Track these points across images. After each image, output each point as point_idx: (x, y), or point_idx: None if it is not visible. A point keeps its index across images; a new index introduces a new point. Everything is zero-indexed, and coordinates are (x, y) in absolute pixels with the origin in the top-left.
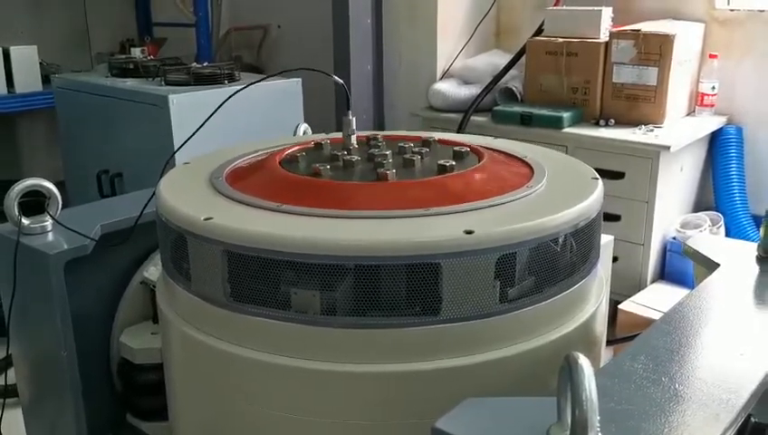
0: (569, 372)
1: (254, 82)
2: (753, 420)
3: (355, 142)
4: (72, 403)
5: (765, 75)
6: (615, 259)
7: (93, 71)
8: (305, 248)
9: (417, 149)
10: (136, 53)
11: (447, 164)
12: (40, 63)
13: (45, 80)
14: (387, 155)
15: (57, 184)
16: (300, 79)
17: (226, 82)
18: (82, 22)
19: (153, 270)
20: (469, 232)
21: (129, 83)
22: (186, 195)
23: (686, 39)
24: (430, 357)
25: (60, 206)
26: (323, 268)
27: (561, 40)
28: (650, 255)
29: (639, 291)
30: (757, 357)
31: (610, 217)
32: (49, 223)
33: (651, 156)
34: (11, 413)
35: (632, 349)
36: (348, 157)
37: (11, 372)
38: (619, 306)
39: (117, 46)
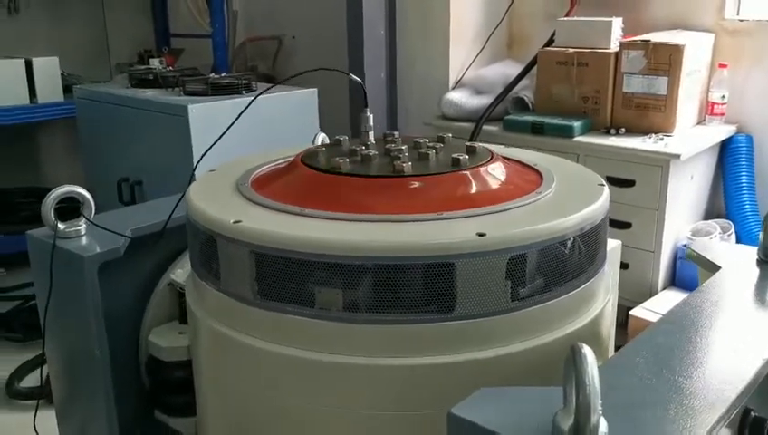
0: (573, 360)
1: (279, 83)
2: (752, 414)
3: (372, 138)
4: (104, 400)
5: None
6: (626, 266)
7: (113, 81)
8: (327, 250)
9: (431, 144)
10: (155, 63)
11: (461, 158)
12: (61, 74)
13: (66, 90)
14: (402, 149)
15: None
16: (315, 89)
17: (244, 92)
18: (102, 33)
19: (180, 272)
20: (481, 234)
21: (149, 94)
22: (214, 200)
23: (696, 49)
24: (445, 351)
25: (93, 210)
26: (345, 268)
27: (571, 50)
28: (661, 262)
29: (650, 297)
30: (751, 353)
31: (621, 225)
32: (83, 227)
33: (661, 164)
34: (42, 413)
35: (635, 344)
36: (365, 151)
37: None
38: (630, 312)
39: (135, 57)
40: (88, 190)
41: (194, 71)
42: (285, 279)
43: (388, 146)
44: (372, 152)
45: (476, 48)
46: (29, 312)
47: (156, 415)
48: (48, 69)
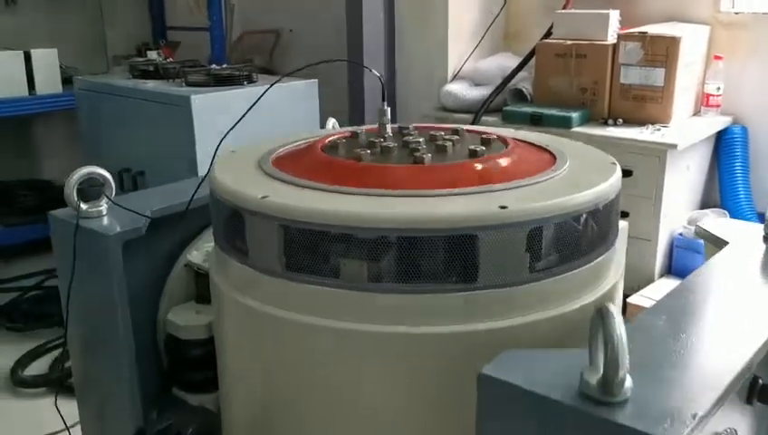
0: (601, 319)
1: (294, 72)
2: (760, 382)
3: (390, 131)
4: (127, 378)
5: None
6: None
7: (110, 73)
8: (354, 222)
9: (447, 137)
10: (153, 55)
11: (478, 149)
12: (59, 66)
13: (64, 83)
14: (420, 142)
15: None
16: (316, 80)
17: (245, 83)
18: (99, 26)
19: (196, 254)
20: (503, 207)
21: (151, 85)
22: (239, 177)
23: (692, 41)
24: (469, 320)
25: (114, 191)
26: (370, 241)
27: (569, 42)
28: (658, 250)
29: (647, 285)
30: (760, 321)
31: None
32: (104, 208)
33: (659, 154)
34: (47, 400)
35: (653, 309)
36: (385, 144)
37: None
38: (628, 300)
39: (132, 50)
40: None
41: (194, 62)
42: (312, 252)
43: (405, 138)
44: (391, 144)
45: (474, 40)
46: (29, 302)
47: (174, 392)
48: (47, 61)
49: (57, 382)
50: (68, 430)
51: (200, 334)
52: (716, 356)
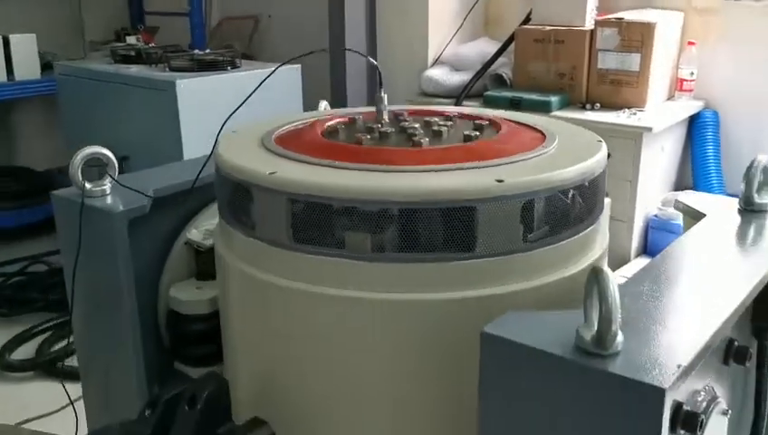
0: (596, 279)
1: (292, 59)
2: (736, 344)
3: (386, 117)
4: (133, 353)
5: (740, 62)
6: None
7: (88, 58)
8: (358, 196)
9: (442, 122)
10: (132, 40)
11: (472, 134)
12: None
13: (42, 68)
14: (417, 127)
15: (58, 169)
16: (299, 66)
17: (229, 68)
18: (76, 11)
19: (195, 232)
20: (500, 181)
21: (134, 70)
22: (245, 155)
23: (667, 27)
24: (467, 287)
25: (117, 171)
26: (374, 213)
27: (548, 28)
28: (633, 231)
29: (624, 265)
30: (734, 285)
31: None
32: (108, 187)
33: (634, 137)
34: (37, 384)
35: (638, 275)
36: (383, 129)
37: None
38: None
39: (110, 35)
40: (71, 167)
41: (177, 47)
42: (318, 224)
43: (402, 124)
44: (389, 129)
45: (455, 26)
46: (12, 288)
47: (176, 366)
48: (25, 46)
49: (48, 365)
50: (72, 404)
51: (202, 309)
52: (696, 316)
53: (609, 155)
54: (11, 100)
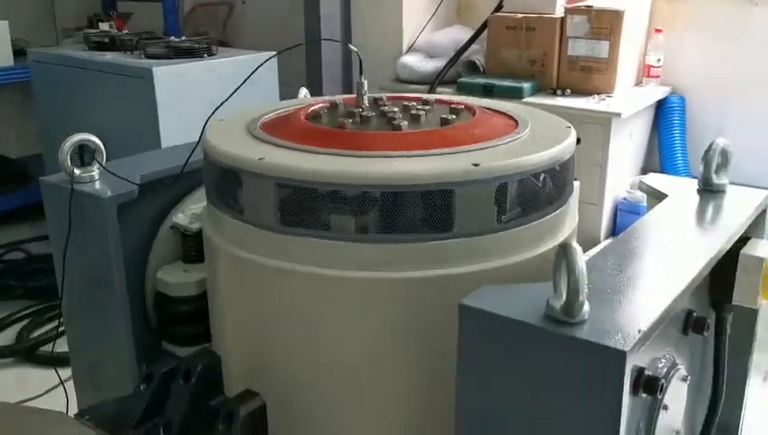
0: (564, 254)
1: (277, 53)
2: (694, 314)
3: (366, 102)
4: (123, 332)
5: (706, 48)
6: None
7: (61, 45)
8: (343, 180)
9: (420, 107)
10: (105, 27)
11: (449, 117)
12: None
13: (14, 55)
14: (396, 111)
15: (33, 156)
16: (275, 53)
17: (205, 55)
18: None
19: (181, 216)
20: (476, 165)
21: (109, 57)
22: (233, 141)
23: (635, 15)
24: (445, 265)
25: (105, 157)
26: (358, 196)
27: (520, 15)
28: (603, 213)
29: (594, 247)
30: (691, 259)
31: None
32: (96, 173)
33: (603, 123)
34: (21, 369)
35: (603, 251)
36: (364, 113)
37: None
38: None
39: (82, 21)
40: (45, 155)
41: (150, 34)
42: (305, 207)
43: (381, 109)
44: (370, 113)
45: (428, 13)
46: None
47: (164, 346)
48: None
49: (27, 351)
50: (62, 384)
51: (189, 291)
52: (656, 287)
53: (578, 141)
54: None
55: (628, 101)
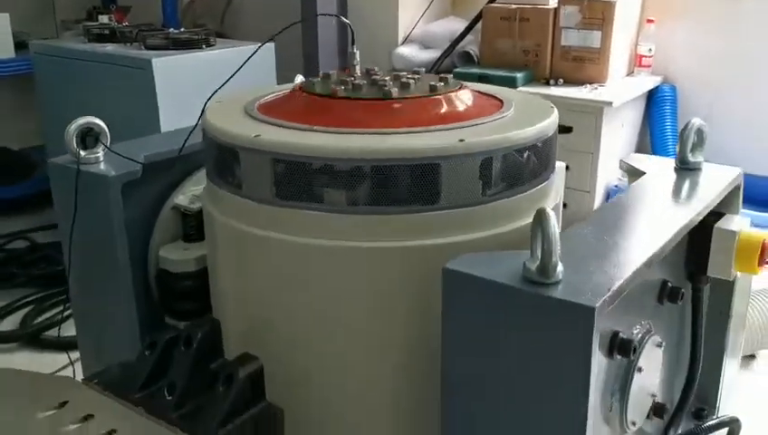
0: (540, 219)
1: (271, 37)
2: (669, 284)
3: (359, 71)
4: (126, 306)
5: (696, 38)
6: (564, 205)
7: (61, 38)
8: (335, 154)
9: (410, 76)
10: (105, 19)
11: (438, 85)
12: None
13: (15, 47)
14: (387, 80)
15: (35, 148)
16: (273, 43)
17: (203, 46)
18: None
19: (182, 197)
20: (461, 140)
21: (110, 48)
22: (231, 121)
23: (627, 5)
24: (432, 235)
25: (109, 139)
26: (349, 170)
27: (514, 6)
28: (595, 201)
29: None
30: (664, 228)
31: None
32: (101, 154)
33: (595, 112)
34: (24, 354)
35: (583, 223)
36: (356, 81)
37: None
38: None
39: (81, 14)
40: (48, 145)
41: (150, 26)
42: (299, 181)
43: (373, 78)
44: (362, 82)
45: (424, 5)
46: None
47: (167, 320)
48: None
49: (31, 336)
50: (72, 364)
51: (189, 268)
52: (628, 252)
53: (570, 129)
54: None
55: (620, 91)
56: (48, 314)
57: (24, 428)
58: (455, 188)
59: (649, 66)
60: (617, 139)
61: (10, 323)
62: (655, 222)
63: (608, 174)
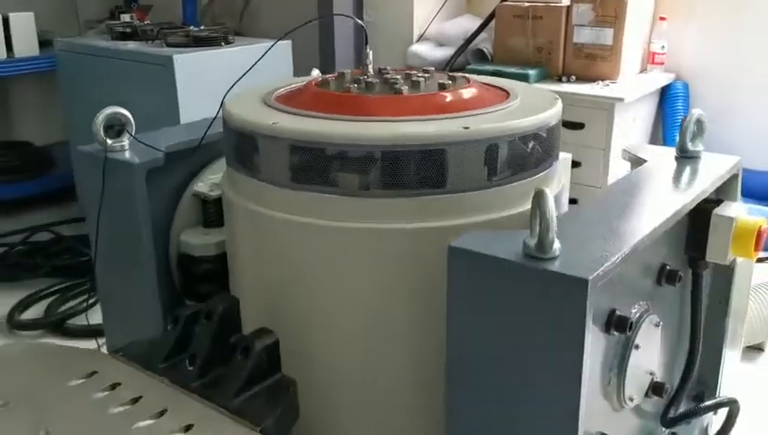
0: (538, 199)
1: (287, 33)
2: (667, 267)
3: (372, 70)
4: (150, 291)
5: (708, 36)
6: (575, 201)
7: (84, 36)
8: (348, 141)
9: (420, 75)
10: (127, 18)
11: (446, 83)
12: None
13: (40, 46)
14: (398, 78)
15: (57, 144)
16: (290, 41)
17: (223, 43)
18: None
19: (202, 185)
20: (466, 127)
21: (132, 45)
22: (250, 110)
23: (639, 3)
24: (438, 218)
25: (134, 129)
26: (361, 156)
27: (527, 4)
28: None
29: None
30: (660, 211)
31: (572, 164)
32: (126, 143)
33: (607, 108)
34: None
35: (583, 206)
36: (369, 80)
37: None
38: None
39: (104, 13)
40: (71, 141)
41: (171, 24)
42: (314, 166)
43: (385, 76)
44: (374, 80)
45: (438, 3)
46: (16, 256)
47: (187, 302)
48: (24, 24)
49: (55, 325)
50: (99, 347)
51: (210, 251)
52: (624, 232)
53: (582, 125)
54: (10, 76)
55: (632, 87)
56: (72, 303)
57: (57, 395)
58: (460, 174)
59: (662, 63)
60: (629, 134)
61: (35, 311)
62: (652, 205)
63: (619, 170)
